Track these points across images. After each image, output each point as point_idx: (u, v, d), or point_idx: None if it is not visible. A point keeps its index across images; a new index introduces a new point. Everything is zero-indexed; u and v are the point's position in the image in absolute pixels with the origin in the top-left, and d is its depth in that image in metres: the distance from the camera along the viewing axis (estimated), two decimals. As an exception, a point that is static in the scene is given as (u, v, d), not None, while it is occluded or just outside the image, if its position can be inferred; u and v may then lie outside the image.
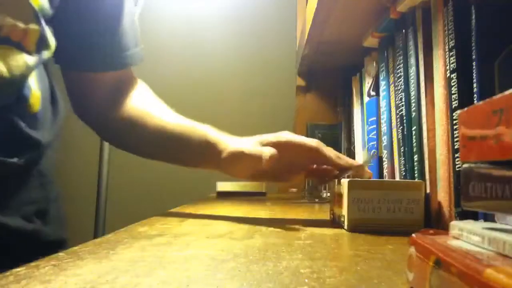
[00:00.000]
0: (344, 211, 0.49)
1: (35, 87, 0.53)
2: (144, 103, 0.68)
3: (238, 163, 0.58)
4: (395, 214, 0.47)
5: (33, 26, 0.50)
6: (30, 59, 0.51)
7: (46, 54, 0.54)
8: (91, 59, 0.63)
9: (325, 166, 0.59)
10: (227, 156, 0.58)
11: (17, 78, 0.49)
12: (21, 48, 0.50)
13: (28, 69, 0.51)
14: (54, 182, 0.60)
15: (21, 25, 0.49)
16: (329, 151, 0.57)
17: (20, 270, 0.26)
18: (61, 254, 0.31)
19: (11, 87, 0.49)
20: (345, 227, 0.48)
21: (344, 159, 0.58)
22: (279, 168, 0.59)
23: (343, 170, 0.57)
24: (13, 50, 0.49)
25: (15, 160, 0.50)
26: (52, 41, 0.54)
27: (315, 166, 0.60)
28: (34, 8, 0.50)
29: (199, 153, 0.62)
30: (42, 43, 0.53)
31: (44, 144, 0.55)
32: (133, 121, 0.66)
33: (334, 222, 0.54)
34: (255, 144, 0.58)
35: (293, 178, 0.62)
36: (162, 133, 0.64)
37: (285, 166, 0.59)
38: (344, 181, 0.49)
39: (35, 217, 0.55)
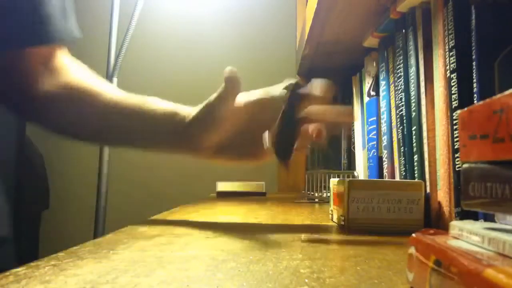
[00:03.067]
0: (344, 211, 0.49)
1: None
2: (86, 76, 0.60)
3: (201, 125, 0.51)
4: (395, 214, 0.47)
5: None
6: None
7: None
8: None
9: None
10: (191, 120, 0.51)
11: None
12: None
13: None
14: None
15: None
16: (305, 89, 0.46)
17: (20, 270, 0.26)
18: (61, 254, 0.31)
19: None
20: (345, 227, 0.48)
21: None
22: (247, 136, 0.50)
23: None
24: None
25: None
26: None
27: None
28: None
29: (163, 125, 0.54)
30: None
31: None
32: (72, 93, 0.57)
33: (334, 222, 0.54)
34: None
35: (265, 154, 0.50)
36: (119, 108, 0.56)
37: (254, 134, 0.48)
38: (344, 181, 0.49)
39: None
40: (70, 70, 0.60)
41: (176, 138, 0.53)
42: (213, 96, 0.51)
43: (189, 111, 0.53)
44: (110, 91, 0.58)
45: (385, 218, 0.47)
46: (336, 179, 0.54)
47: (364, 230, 0.47)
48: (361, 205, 0.47)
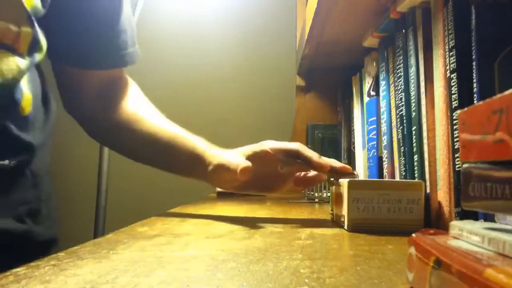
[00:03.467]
0: (344, 211, 0.49)
1: (26, 90, 0.53)
2: (137, 107, 0.69)
3: (221, 176, 0.59)
4: (395, 214, 0.47)
5: (25, 28, 0.50)
6: (22, 62, 0.50)
7: (38, 57, 0.54)
8: (81, 56, 0.63)
9: (311, 173, 0.60)
10: (213, 168, 0.59)
11: (9, 82, 0.49)
12: (13, 51, 0.49)
13: (20, 73, 0.51)
14: (46, 182, 0.60)
15: (13, 28, 0.48)
16: (310, 152, 0.57)
17: (20, 270, 0.26)
18: (61, 254, 0.31)
19: (3, 90, 0.49)
20: (345, 227, 0.48)
21: (325, 159, 0.58)
22: (264, 178, 0.60)
23: (332, 172, 0.57)
24: (5, 53, 0.48)
25: (5, 162, 0.50)
26: (44, 43, 0.54)
27: (302, 174, 0.60)
28: (26, 9, 0.50)
29: (188, 164, 0.63)
30: (34, 46, 0.52)
31: (36, 145, 0.55)
32: (124, 123, 0.66)
33: (334, 222, 0.54)
34: (238, 156, 0.58)
35: (280, 188, 0.61)
36: (153, 139, 0.65)
37: (270, 176, 0.60)
38: (344, 181, 0.49)
39: (27, 218, 0.54)
40: (125, 97, 0.69)
41: (200, 178, 0.63)
42: (228, 162, 0.57)
43: (213, 155, 0.60)
44: (151, 119, 0.67)
45: (385, 218, 0.47)
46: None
47: (364, 230, 0.47)
48: (361, 205, 0.47)
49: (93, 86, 0.67)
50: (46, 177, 0.59)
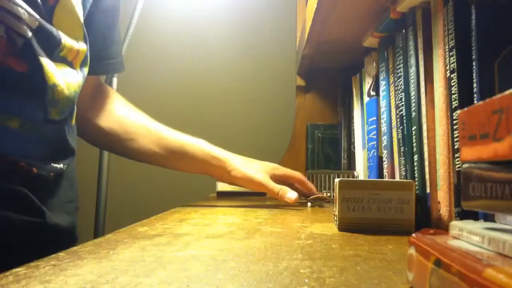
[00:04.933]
0: (336, 210, 0.49)
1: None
2: (133, 116, 0.76)
3: (248, 186, 0.76)
4: (385, 214, 0.47)
5: (82, 45, 0.56)
6: (79, 77, 0.56)
7: (86, 70, 0.59)
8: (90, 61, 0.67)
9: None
10: (241, 177, 0.75)
11: (73, 96, 0.55)
12: (72, 66, 0.55)
13: (79, 87, 0.57)
14: (76, 184, 0.66)
15: (75, 45, 0.54)
16: (309, 183, 0.83)
17: (20, 270, 0.26)
18: (61, 254, 0.31)
19: (69, 103, 0.55)
20: (336, 226, 0.48)
21: (314, 189, 0.83)
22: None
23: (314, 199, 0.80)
24: (69, 69, 0.54)
25: (61, 165, 0.57)
26: (89, 57, 0.59)
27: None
28: (83, 26, 0.55)
29: (205, 166, 0.75)
30: (85, 61, 0.58)
31: (75, 150, 0.61)
32: (125, 132, 0.74)
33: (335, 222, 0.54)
34: (264, 175, 0.76)
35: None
36: (162, 147, 0.74)
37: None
38: (336, 181, 0.50)
39: (74, 214, 0.62)
40: (116, 102, 0.76)
41: (219, 179, 0.80)
42: (264, 181, 0.76)
43: (234, 164, 0.77)
44: (150, 125, 0.75)
45: (376, 218, 0.47)
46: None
47: (355, 229, 0.47)
48: (352, 205, 0.47)
49: (85, 92, 0.70)
50: (76, 180, 0.66)
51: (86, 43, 0.57)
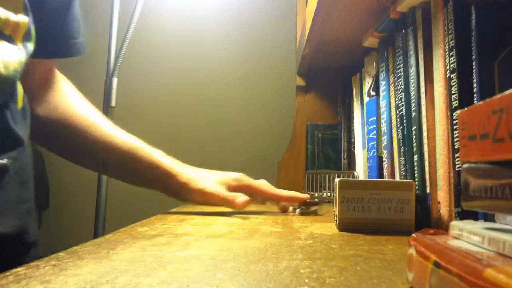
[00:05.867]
0: (336, 210, 0.49)
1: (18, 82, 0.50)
2: (83, 108, 0.66)
3: (204, 200, 0.66)
4: (385, 214, 0.47)
5: (22, 17, 0.47)
6: (21, 54, 0.48)
7: (30, 46, 0.51)
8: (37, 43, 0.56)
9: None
10: (194, 191, 0.65)
11: (12, 75, 0.47)
12: (12, 41, 0.47)
13: (20, 64, 0.48)
14: (31, 182, 0.57)
15: (12, 17, 0.46)
16: (275, 189, 0.72)
17: (20, 270, 0.26)
18: (61, 254, 0.31)
19: (7, 84, 0.47)
20: (336, 226, 0.48)
21: (286, 193, 0.72)
22: None
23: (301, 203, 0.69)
24: (6, 44, 0.46)
25: (4, 160, 0.48)
26: (33, 31, 0.51)
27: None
28: None
29: (152, 176, 0.66)
30: (27, 35, 0.49)
31: (24, 141, 0.52)
32: (70, 124, 0.63)
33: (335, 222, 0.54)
34: (218, 186, 0.67)
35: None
36: (107, 148, 0.64)
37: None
38: (336, 181, 0.50)
39: (25, 216, 0.52)
40: (65, 93, 0.66)
41: (166, 192, 0.68)
42: (217, 191, 0.66)
43: (188, 176, 0.66)
44: (102, 124, 0.65)
45: (376, 218, 0.47)
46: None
47: (355, 229, 0.47)
48: (352, 205, 0.47)
49: (32, 77, 0.60)
50: (31, 176, 0.56)
51: (27, 14, 0.48)
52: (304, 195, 0.70)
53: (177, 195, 0.67)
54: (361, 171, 0.87)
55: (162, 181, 0.66)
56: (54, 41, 0.59)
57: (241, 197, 0.63)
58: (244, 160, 1.47)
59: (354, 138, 0.97)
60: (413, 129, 0.56)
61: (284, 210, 0.71)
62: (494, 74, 0.41)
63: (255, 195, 0.71)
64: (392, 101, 0.66)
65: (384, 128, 0.69)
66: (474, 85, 0.43)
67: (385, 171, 0.68)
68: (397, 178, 0.63)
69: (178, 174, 0.65)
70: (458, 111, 0.34)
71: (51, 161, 1.50)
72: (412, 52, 0.57)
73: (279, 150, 1.35)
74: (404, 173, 0.59)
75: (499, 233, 0.19)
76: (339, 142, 1.14)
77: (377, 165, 0.74)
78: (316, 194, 0.91)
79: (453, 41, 0.46)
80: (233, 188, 0.68)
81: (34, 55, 0.54)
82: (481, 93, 0.42)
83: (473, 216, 0.40)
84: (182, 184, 0.65)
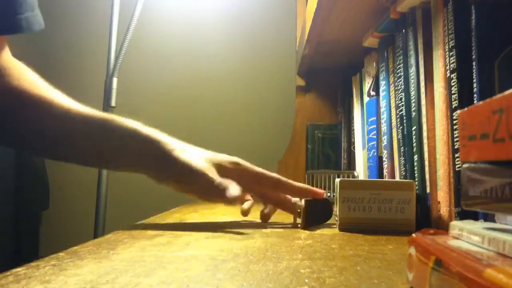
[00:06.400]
0: (337, 210, 0.49)
1: None
2: (42, 83, 0.54)
3: (187, 180, 0.51)
4: (386, 214, 0.47)
5: None
6: None
7: None
8: None
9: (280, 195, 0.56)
10: (177, 163, 0.50)
11: None
12: None
13: None
14: None
15: None
16: (289, 181, 0.55)
17: (20, 270, 0.26)
18: (61, 254, 0.31)
19: None
20: (337, 226, 0.48)
21: (299, 184, 0.56)
22: None
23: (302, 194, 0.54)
24: None
25: None
26: None
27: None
28: None
29: (127, 150, 0.53)
30: None
31: None
32: (26, 100, 0.52)
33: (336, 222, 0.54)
34: (209, 166, 0.51)
35: (242, 202, 0.56)
36: (77, 122, 0.52)
37: None
38: (336, 181, 0.50)
39: None
40: (17, 70, 0.54)
41: (152, 171, 0.52)
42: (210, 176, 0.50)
43: (172, 144, 0.52)
44: (62, 99, 0.54)
45: (377, 218, 0.47)
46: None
47: (356, 229, 0.47)
48: (352, 205, 0.48)
49: None
50: None
51: None
52: (321, 190, 0.55)
53: (157, 170, 0.52)
54: (361, 171, 0.87)
55: (142, 151, 0.52)
56: (4, 15, 0.50)
57: (234, 189, 0.48)
58: (244, 160, 1.47)
59: (354, 138, 0.97)
60: (413, 129, 0.56)
61: (265, 219, 0.55)
62: (494, 74, 0.41)
63: (256, 185, 0.55)
64: (392, 101, 0.66)
65: (384, 128, 0.69)
66: (474, 85, 0.43)
67: (385, 171, 0.68)
68: (397, 178, 0.63)
69: (161, 140, 0.52)
70: (458, 111, 0.34)
71: (51, 161, 1.50)
72: (412, 52, 0.57)
73: (279, 150, 1.35)
74: (404, 173, 0.59)
75: (499, 233, 0.19)
76: (339, 142, 1.14)
77: (377, 165, 0.74)
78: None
79: (453, 41, 0.46)
80: (227, 172, 0.52)
81: None
82: (481, 93, 0.42)
83: (473, 216, 0.40)
84: (165, 152, 0.51)
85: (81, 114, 0.52)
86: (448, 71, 0.47)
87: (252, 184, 0.54)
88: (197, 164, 0.50)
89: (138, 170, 0.54)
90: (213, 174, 0.50)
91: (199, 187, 0.50)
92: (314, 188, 0.55)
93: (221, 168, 0.52)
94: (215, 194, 0.49)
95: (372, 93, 0.78)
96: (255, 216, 0.56)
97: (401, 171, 0.60)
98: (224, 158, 0.54)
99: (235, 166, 0.54)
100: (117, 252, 0.32)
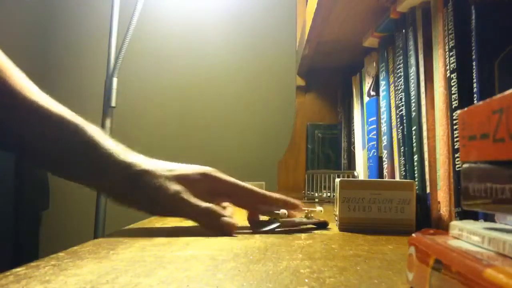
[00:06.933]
0: (337, 210, 0.49)
1: None
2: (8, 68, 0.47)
3: (170, 207, 0.46)
4: (386, 214, 0.47)
5: None
6: None
7: None
8: None
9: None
10: (155, 189, 0.45)
11: None
12: None
13: None
14: None
15: None
16: (264, 191, 0.51)
17: (20, 270, 0.26)
18: (61, 254, 0.31)
19: None
20: (337, 226, 0.48)
21: (275, 194, 0.52)
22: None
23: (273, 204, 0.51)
24: None
25: None
26: None
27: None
28: None
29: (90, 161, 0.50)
30: None
31: None
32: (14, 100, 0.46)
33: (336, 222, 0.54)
34: (180, 185, 0.46)
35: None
36: (37, 115, 0.47)
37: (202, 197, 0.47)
38: (336, 181, 0.50)
39: None
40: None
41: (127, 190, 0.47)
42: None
43: (151, 167, 0.47)
44: (34, 90, 0.47)
45: (377, 218, 0.47)
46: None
47: (356, 229, 0.47)
48: (352, 205, 0.48)
49: None
50: None
51: None
52: (297, 201, 0.52)
53: (125, 196, 0.47)
54: (361, 171, 0.87)
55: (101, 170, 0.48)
56: None
57: (227, 216, 0.44)
58: (244, 160, 1.47)
59: (354, 138, 0.97)
60: (413, 129, 0.56)
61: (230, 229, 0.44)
62: (494, 74, 0.41)
63: (227, 196, 0.52)
64: (392, 101, 0.66)
65: (384, 128, 0.69)
66: (474, 85, 0.43)
67: (385, 171, 0.68)
68: (397, 178, 0.63)
69: (131, 164, 0.46)
70: (458, 111, 0.34)
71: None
72: (412, 52, 0.57)
73: (279, 150, 1.35)
74: (404, 173, 0.59)
75: (499, 233, 0.19)
76: (339, 142, 1.14)
77: (377, 165, 0.74)
78: (316, 194, 0.91)
79: (453, 41, 0.46)
80: (197, 183, 0.48)
81: None
82: (481, 93, 0.42)
83: (473, 216, 0.40)
84: (139, 175, 0.46)
85: (49, 111, 0.47)
86: (448, 71, 0.47)
87: (223, 194, 0.51)
88: (177, 191, 0.45)
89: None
90: (189, 197, 0.45)
91: (192, 219, 0.46)
92: (290, 199, 0.52)
93: (190, 182, 0.47)
94: (203, 222, 0.45)
95: (372, 93, 0.78)
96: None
97: (401, 171, 0.60)
98: (195, 169, 0.49)
99: (203, 177, 0.49)
100: (117, 252, 0.32)
